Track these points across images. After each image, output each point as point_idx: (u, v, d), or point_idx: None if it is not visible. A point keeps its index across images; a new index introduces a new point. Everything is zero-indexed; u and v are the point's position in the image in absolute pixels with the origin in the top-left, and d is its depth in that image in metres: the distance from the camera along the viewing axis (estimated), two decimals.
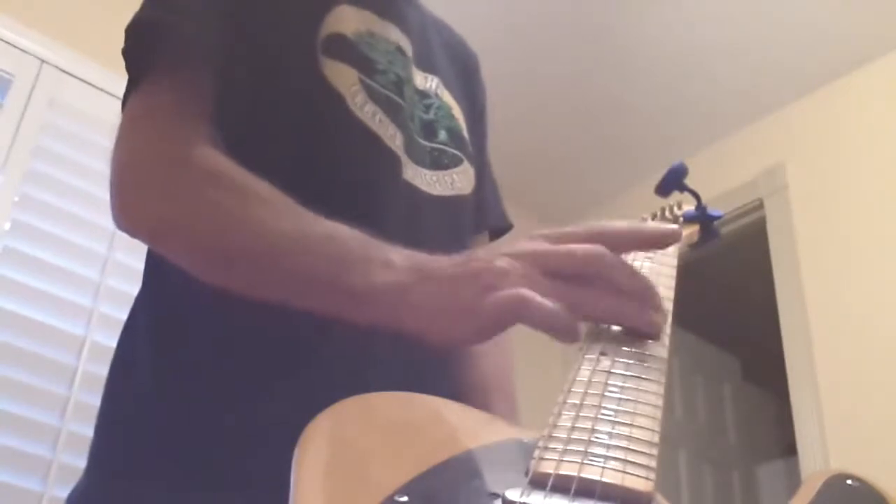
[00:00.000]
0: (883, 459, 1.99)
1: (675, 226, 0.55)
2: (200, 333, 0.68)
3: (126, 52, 0.70)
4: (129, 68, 0.71)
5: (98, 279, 1.93)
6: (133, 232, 0.66)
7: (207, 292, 0.64)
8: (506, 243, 0.57)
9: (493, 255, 0.54)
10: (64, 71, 2.03)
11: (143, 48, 0.69)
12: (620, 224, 0.57)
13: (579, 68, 2.72)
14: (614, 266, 0.53)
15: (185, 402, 0.66)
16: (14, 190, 1.89)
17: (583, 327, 0.54)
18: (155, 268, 0.74)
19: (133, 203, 0.66)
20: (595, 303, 0.52)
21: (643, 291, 0.54)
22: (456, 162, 0.83)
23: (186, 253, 0.64)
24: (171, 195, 0.64)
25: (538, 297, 0.50)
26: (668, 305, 0.62)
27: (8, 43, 2.01)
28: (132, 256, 1.82)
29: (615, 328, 0.55)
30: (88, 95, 2.03)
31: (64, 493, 0.72)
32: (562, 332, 0.50)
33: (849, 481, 0.48)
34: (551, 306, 0.50)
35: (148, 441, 0.66)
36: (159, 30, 0.68)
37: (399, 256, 0.57)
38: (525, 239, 0.56)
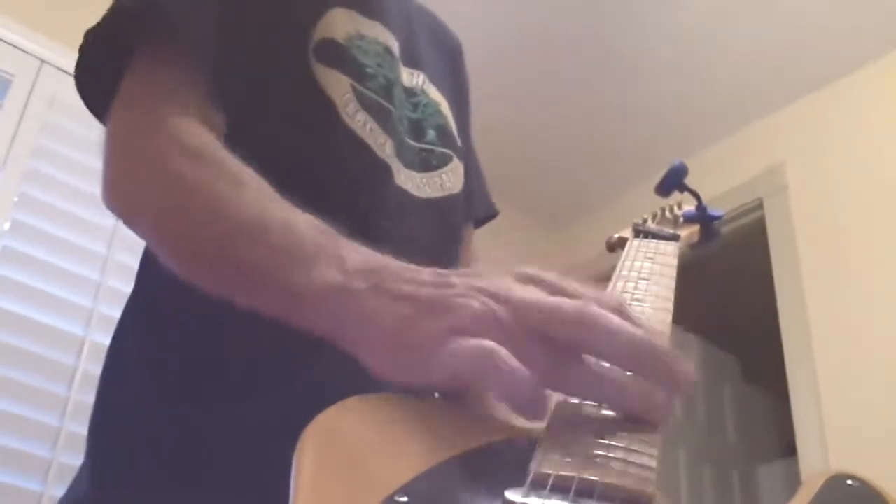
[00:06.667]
0: (883, 459, 1.99)
1: (690, 370, 0.45)
2: (193, 334, 0.67)
3: (104, 34, 0.67)
4: (110, 43, 0.68)
5: (98, 279, 1.93)
6: (111, 207, 0.64)
7: (200, 291, 0.64)
8: (490, 271, 0.49)
9: (470, 287, 0.46)
10: (63, 71, 2.04)
11: (131, 32, 0.67)
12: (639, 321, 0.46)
13: (579, 68, 2.72)
14: (611, 337, 0.43)
15: (178, 403, 0.65)
16: (14, 190, 1.89)
17: (550, 405, 0.45)
18: (147, 266, 0.74)
19: (112, 177, 0.64)
20: (575, 381, 0.44)
21: (639, 356, 0.44)
22: (445, 161, 0.83)
23: (149, 228, 0.62)
24: (141, 166, 0.62)
25: (507, 362, 0.42)
26: (669, 306, 0.62)
27: (8, 43, 2.01)
28: (132, 257, 1.82)
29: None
30: None
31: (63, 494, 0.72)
32: (523, 408, 0.43)
33: (849, 481, 0.48)
34: (519, 375, 0.42)
35: (141, 444, 0.65)
36: (153, 15, 0.66)
37: (355, 255, 0.51)
38: (513, 275, 0.47)
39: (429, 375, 0.45)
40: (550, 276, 0.47)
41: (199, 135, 0.63)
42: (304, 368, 0.65)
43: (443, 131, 0.84)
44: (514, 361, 0.42)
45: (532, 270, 0.48)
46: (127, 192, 0.63)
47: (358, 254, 0.52)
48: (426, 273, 0.49)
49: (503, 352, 0.42)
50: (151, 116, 0.64)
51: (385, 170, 0.74)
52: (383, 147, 0.74)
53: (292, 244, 0.53)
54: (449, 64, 0.93)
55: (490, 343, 0.43)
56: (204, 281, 0.59)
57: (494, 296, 0.45)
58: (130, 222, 0.64)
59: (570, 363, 0.44)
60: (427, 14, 0.96)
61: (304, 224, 0.55)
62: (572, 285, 0.46)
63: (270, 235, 0.54)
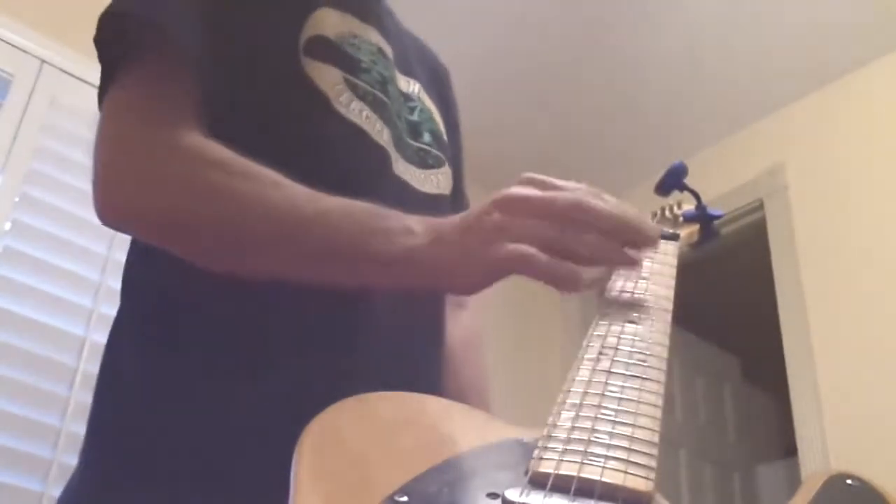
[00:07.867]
0: (883, 459, 1.99)
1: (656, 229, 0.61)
2: (188, 333, 0.67)
3: (101, 41, 0.68)
4: (104, 58, 0.69)
5: (98, 279, 1.93)
6: (123, 226, 0.65)
7: (192, 292, 0.64)
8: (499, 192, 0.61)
9: (486, 210, 0.59)
10: (64, 71, 2.03)
11: (124, 39, 0.67)
12: (611, 207, 0.60)
13: (579, 69, 2.72)
14: (592, 210, 0.58)
15: (176, 404, 0.65)
16: (14, 190, 1.89)
17: (585, 279, 0.58)
18: (137, 267, 0.74)
19: (122, 194, 0.64)
20: (578, 243, 0.58)
21: (623, 227, 0.59)
22: (439, 163, 0.85)
23: (195, 242, 0.63)
24: (169, 183, 0.63)
25: (534, 254, 0.56)
26: (669, 305, 0.62)
27: (8, 43, 2.01)
28: None
29: (618, 328, 0.55)
30: (89, 95, 2.01)
31: None
32: (561, 280, 0.56)
33: (849, 481, 0.48)
34: (546, 260, 0.55)
35: (138, 444, 0.65)
36: (142, 22, 0.67)
37: (414, 222, 0.61)
38: (517, 185, 0.60)
39: (487, 276, 0.58)
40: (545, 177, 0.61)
41: (214, 146, 0.64)
42: (301, 369, 0.65)
43: (437, 136, 0.86)
44: (537, 254, 0.56)
45: (531, 174, 0.61)
46: (150, 208, 0.63)
47: (414, 220, 0.61)
48: (459, 216, 0.61)
49: (528, 250, 0.56)
50: (157, 135, 0.64)
51: (383, 155, 0.75)
52: (380, 134, 0.75)
53: (361, 224, 0.61)
54: (437, 88, 0.94)
55: (519, 247, 0.56)
56: (265, 273, 0.62)
57: (504, 206, 0.58)
58: (157, 236, 0.65)
59: (566, 232, 0.58)
60: (417, 39, 0.97)
61: (357, 206, 0.62)
62: (561, 182, 0.60)
63: (337, 220, 0.61)
